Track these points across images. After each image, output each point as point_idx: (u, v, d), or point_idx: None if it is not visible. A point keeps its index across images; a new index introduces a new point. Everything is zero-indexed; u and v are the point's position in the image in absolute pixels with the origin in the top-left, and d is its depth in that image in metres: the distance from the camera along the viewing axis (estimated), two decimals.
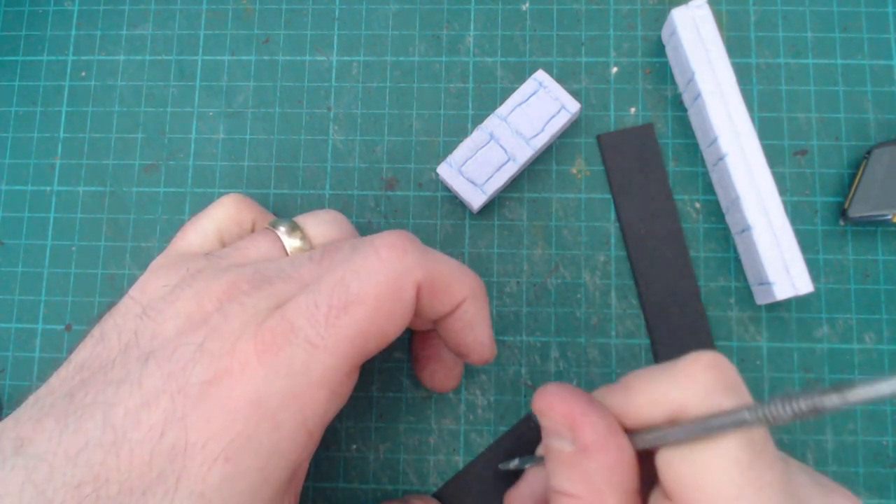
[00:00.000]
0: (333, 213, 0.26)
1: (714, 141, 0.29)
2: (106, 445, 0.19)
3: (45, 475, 0.19)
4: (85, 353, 0.22)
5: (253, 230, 0.27)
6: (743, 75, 0.31)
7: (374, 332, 0.21)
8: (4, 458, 0.20)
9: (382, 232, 0.23)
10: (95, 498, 0.19)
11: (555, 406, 0.20)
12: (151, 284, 0.23)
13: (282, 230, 0.25)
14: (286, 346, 0.20)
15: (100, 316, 0.23)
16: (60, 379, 0.22)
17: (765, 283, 0.28)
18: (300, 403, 0.20)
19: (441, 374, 0.28)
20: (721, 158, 0.29)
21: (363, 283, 0.21)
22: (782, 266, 0.27)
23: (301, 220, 0.26)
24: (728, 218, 0.30)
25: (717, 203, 0.31)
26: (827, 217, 0.30)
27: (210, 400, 0.20)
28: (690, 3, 0.29)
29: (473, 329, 0.24)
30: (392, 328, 0.22)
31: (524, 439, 0.29)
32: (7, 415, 0.31)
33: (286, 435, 0.20)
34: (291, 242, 0.24)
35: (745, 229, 0.28)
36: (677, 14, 0.29)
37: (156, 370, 0.20)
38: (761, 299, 0.29)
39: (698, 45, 0.29)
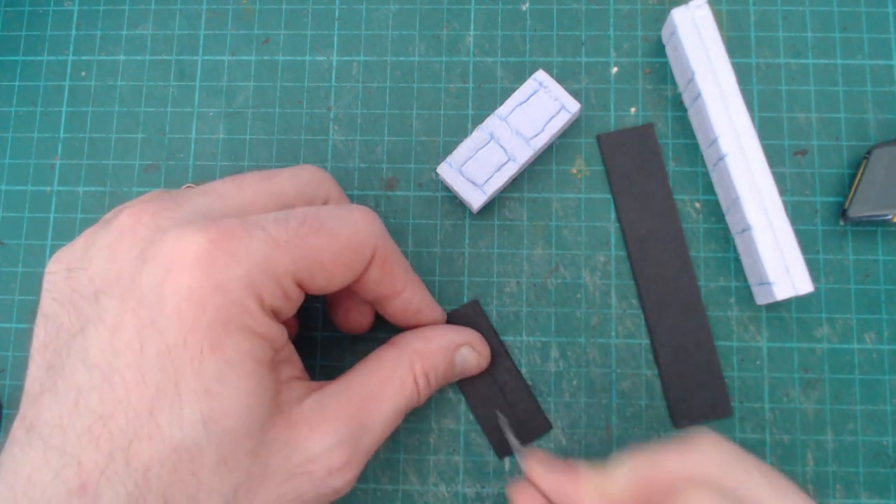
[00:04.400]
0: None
1: (714, 141, 0.29)
2: (97, 385, 0.20)
3: (60, 437, 0.19)
4: (40, 336, 0.22)
5: None
6: (743, 75, 0.31)
7: (328, 267, 0.22)
8: (21, 442, 0.20)
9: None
10: (108, 434, 0.19)
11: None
12: (64, 255, 0.23)
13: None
14: (246, 237, 0.21)
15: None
16: (35, 366, 0.22)
17: (765, 283, 0.28)
18: (262, 290, 0.21)
19: (354, 311, 0.28)
20: (721, 158, 0.29)
21: (336, 224, 0.23)
22: (782, 266, 0.27)
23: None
24: (728, 218, 0.30)
25: (717, 203, 0.31)
26: (827, 217, 0.30)
27: (171, 296, 0.20)
28: (690, 3, 0.29)
29: (423, 312, 0.27)
30: (340, 275, 0.23)
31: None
32: (7, 414, 0.31)
33: (258, 319, 0.21)
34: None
35: (745, 229, 0.28)
36: (677, 14, 0.29)
37: (108, 300, 0.21)
38: (761, 299, 0.29)
39: (698, 45, 0.29)
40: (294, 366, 0.24)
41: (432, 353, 0.26)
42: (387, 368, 0.25)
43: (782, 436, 0.29)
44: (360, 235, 0.23)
